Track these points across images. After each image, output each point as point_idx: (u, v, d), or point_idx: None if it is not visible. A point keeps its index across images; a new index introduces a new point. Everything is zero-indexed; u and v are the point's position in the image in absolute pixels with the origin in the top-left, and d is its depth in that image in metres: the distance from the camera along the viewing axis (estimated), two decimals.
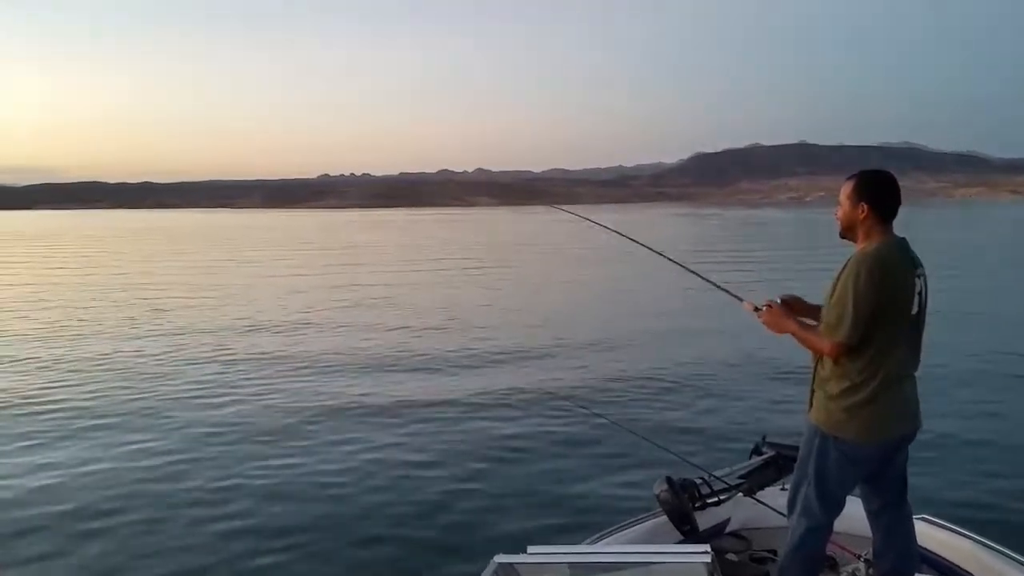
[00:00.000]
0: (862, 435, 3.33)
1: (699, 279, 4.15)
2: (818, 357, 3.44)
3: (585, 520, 5.71)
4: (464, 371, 11.72)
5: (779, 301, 3.59)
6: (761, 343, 10.72)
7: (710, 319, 14.62)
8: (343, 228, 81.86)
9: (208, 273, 29.72)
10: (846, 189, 3.46)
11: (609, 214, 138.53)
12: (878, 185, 3.42)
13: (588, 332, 14.94)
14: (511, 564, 2.86)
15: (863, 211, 3.38)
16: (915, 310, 3.34)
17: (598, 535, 3.98)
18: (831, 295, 3.35)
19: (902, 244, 3.39)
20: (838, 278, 3.34)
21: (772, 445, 4.56)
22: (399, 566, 5.40)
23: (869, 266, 3.24)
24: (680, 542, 3.99)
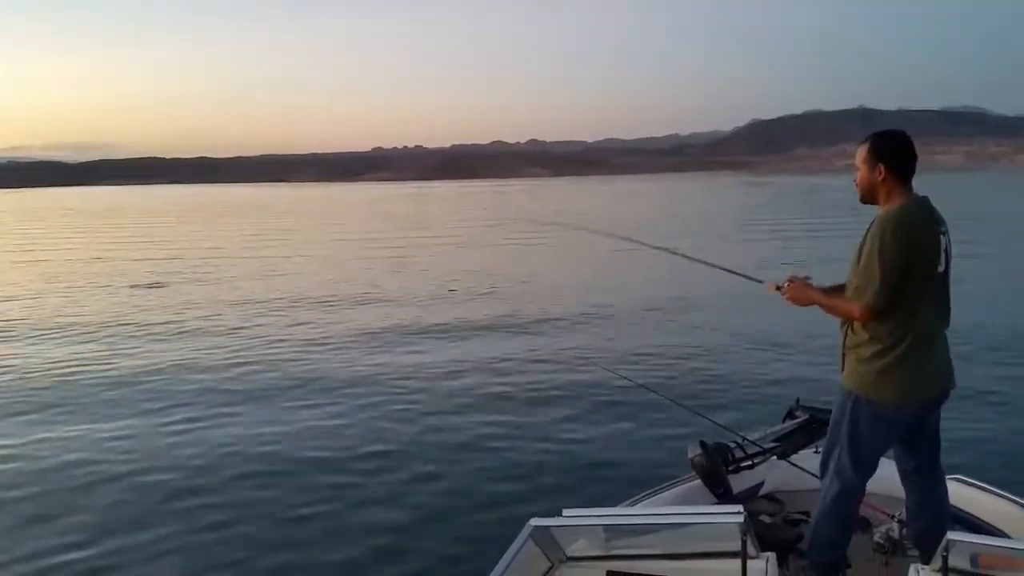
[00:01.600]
0: (895, 396, 3.35)
1: (719, 265, 4.18)
2: (847, 322, 3.46)
3: (620, 484, 5.76)
4: (494, 338, 11.89)
5: (801, 277, 3.63)
6: (791, 310, 10.62)
7: (742, 287, 14.18)
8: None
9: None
10: (862, 153, 3.45)
11: (663, 183, 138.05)
12: (894, 146, 3.41)
13: (621, 300, 15.03)
14: (547, 527, 2.89)
15: (880, 173, 3.37)
16: (941, 267, 3.34)
17: (633, 499, 4.04)
18: (856, 259, 3.35)
19: (924, 203, 3.38)
20: (863, 242, 3.34)
21: (806, 408, 4.59)
22: (437, 531, 5.52)
23: (893, 227, 3.24)
24: (714, 504, 4.05)
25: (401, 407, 8.46)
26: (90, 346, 11.97)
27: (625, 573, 3.00)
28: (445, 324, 13.25)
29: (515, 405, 8.44)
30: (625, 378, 6.06)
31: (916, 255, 3.26)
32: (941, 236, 3.35)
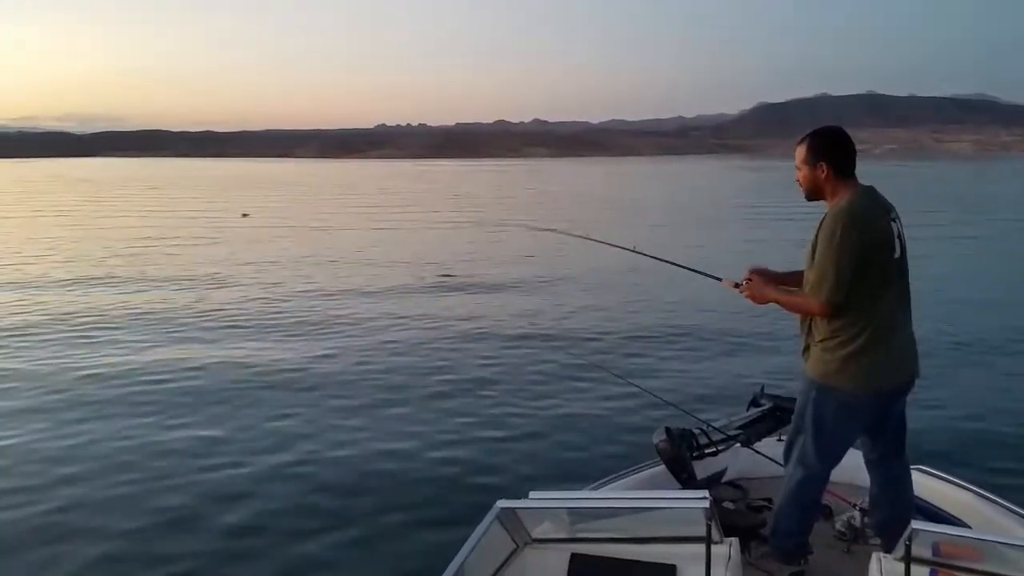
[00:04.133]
0: (858, 385, 3.34)
1: (677, 263, 4.22)
2: (808, 316, 3.45)
3: (586, 469, 5.77)
4: (459, 321, 11.90)
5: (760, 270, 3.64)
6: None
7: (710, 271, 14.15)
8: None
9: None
10: (800, 153, 3.47)
11: (665, 166, 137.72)
12: (832, 142, 3.42)
13: (591, 286, 15.03)
14: (513, 509, 2.89)
15: (823, 171, 3.39)
16: (897, 254, 3.34)
17: (598, 483, 4.04)
18: (811, 255, 3.36)
19: (871, 193, 3.39)
20: (815, 238, 3.35)
21: (770, 397, 4.59)
22: (401, 512, 5.52)
23: (844, 222, 3.25)
24: (678, 490, 4.04)
25: (361, 385, 8.51)
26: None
27: (589, 556, 2.99)
28: (406, 305, 13.35)
29: (482, 387, 8.43)
30: (592, 364, 6.06)
31: (870, 246, 3.26)
32: (892, 223, 3.35)
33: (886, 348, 3.34)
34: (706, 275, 3.97)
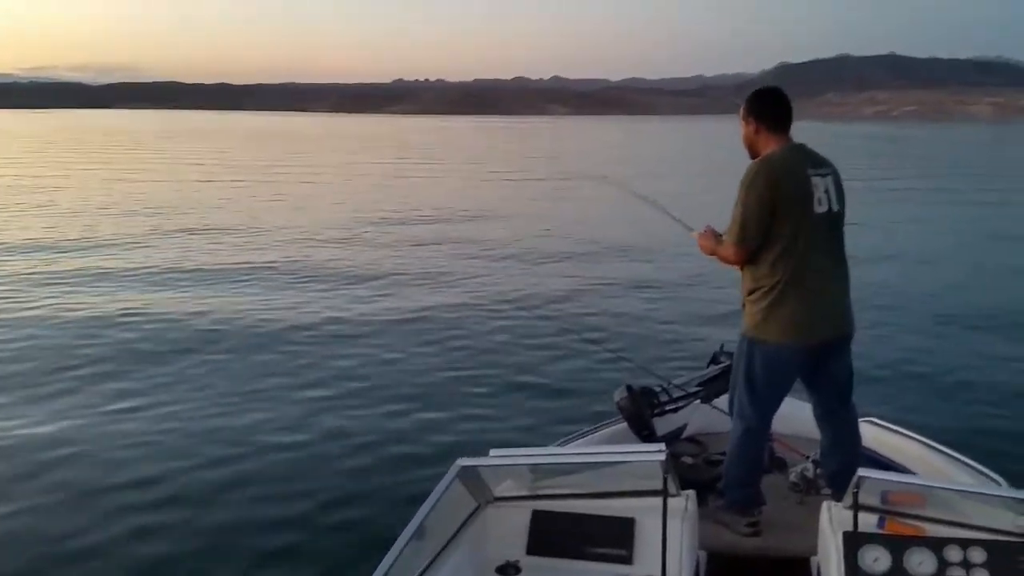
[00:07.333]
0: (779, 336, 3.41)
1: (655, 208, 4.26)
2: (740, 268, 3.56)
3: (548, 428, 5.77)
4: (418, 281, 11.64)
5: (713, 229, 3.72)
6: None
7: (669, 236, 13.52)
8: None
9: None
10: (741, 111, 3.58)
11: (684, 124, 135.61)
12: (761, 100, 3.55)
13: (552, 244, 14.79)
14: (474, 467, 2.86)
15: (753, 126, 3.51)
16: (822, 209, 3.39)
17: (560, 441, 4.11)
18: None
19: (794, 149, 3.48)
20: None
21: (729, 355, 4.62)
22: (361, 476, 5.40)
23: (754, 173, 3.38)
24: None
25: (316, 351, 8.19)
26: None
27: (551, 512, 3.02)
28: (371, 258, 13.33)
29: (436, 348, 8.25)
30: (553, 322, 5.98)
31: (783, 197, 3.32)
32: (816, 178, 3.39)
33: (808, 301, 3.38)
34: (683, 224, 4.01)
